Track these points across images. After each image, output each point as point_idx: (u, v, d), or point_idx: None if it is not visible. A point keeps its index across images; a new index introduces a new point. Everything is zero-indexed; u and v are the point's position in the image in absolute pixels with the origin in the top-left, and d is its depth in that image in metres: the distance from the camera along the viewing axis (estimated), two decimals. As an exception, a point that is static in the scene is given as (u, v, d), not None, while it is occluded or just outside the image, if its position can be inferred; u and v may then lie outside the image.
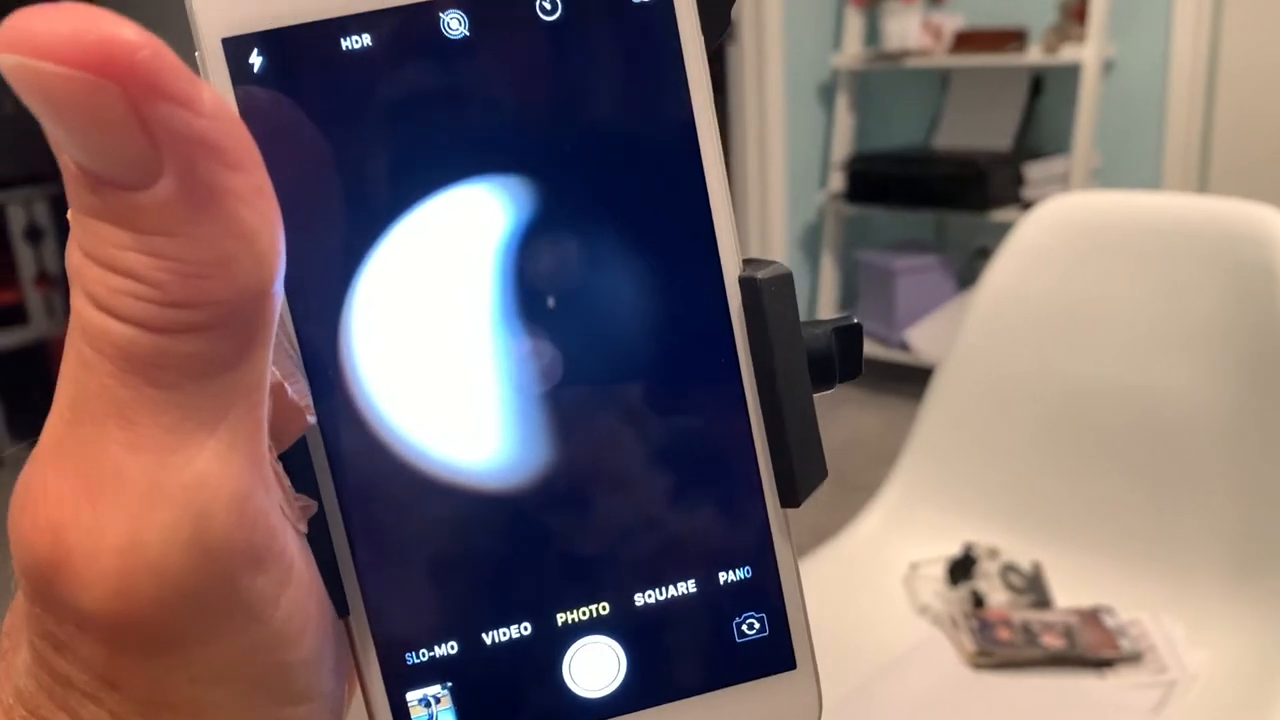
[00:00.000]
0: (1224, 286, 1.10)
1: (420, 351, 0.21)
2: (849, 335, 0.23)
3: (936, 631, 1.10)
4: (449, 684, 0.22)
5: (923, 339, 2.77)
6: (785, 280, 0.22)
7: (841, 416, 2.66)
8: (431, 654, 0.22)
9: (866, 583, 1.18)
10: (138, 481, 0.16)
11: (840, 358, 0.23)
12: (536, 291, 0.21)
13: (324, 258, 0.21)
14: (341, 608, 0.21)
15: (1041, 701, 1.01)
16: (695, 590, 0.22)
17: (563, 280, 0.21)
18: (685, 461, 0.22)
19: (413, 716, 0.22)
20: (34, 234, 2.96)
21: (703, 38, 0.21)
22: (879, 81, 3.09)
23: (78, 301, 0.16)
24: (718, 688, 0.23)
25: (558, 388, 0.21)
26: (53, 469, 0.17)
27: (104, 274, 0.16)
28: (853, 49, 3.00)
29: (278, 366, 0.19)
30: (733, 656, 0.23)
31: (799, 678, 0.23)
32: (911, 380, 2.46)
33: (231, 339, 0.16)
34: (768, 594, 0.23)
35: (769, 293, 0.22)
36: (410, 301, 0.21)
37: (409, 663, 0.22)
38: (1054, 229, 1.23)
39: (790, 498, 0.22)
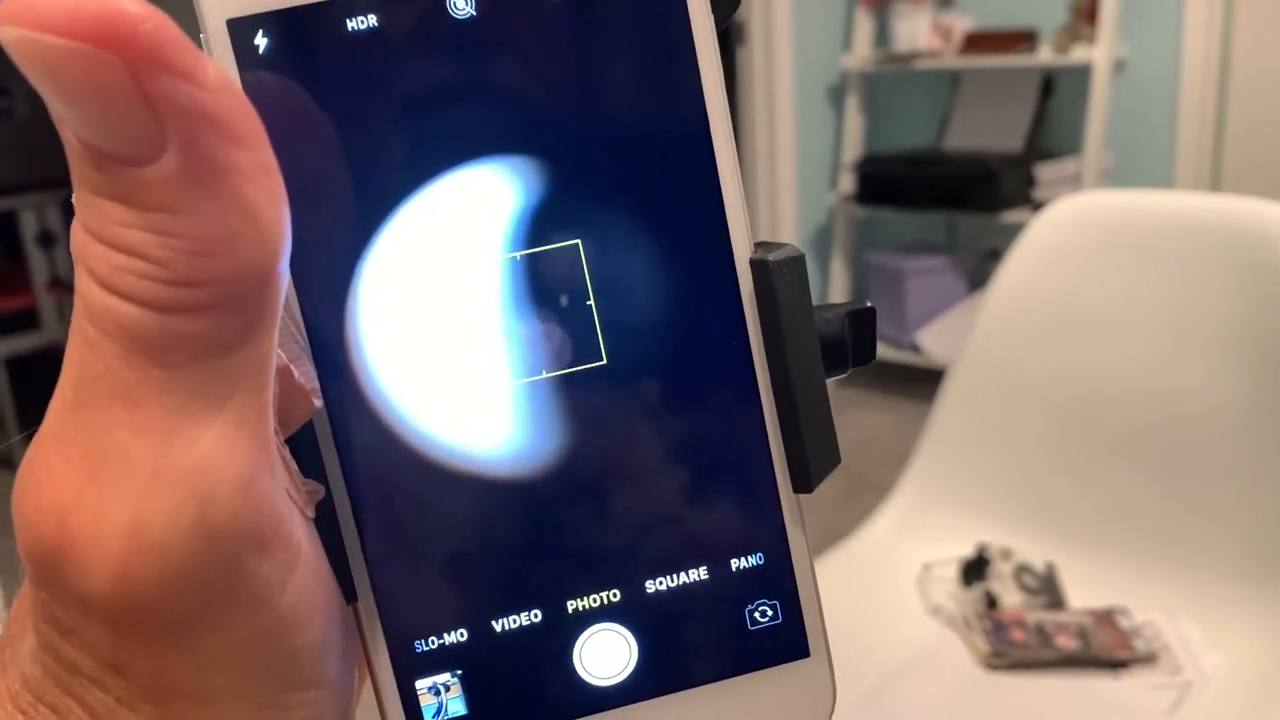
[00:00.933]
0: (1238, 286, 1.10)
1: (429, 335, 0.21)
2: (862, 319, 0.23)
3: (949, 633, 1.10)
4: (459, 671, 0.22)
5: (934, 341, 2.76)
6: (797, 262, 0.22)
7: (853, 418, 2.65)
8: (441, 641, 0.22)
9: (879, 584, 1.17)
10: (142, 463, 0.16)
11: (854, 342, 0.23)
12: (545, 275, 0.21)
13: (330, 241, 0.20)
14: (350, 594, 0.21)
15: (1056, 703, 1.00)
16: (707, 577, 0.22)
17: (572, 263, 0.21)
18: (696, 446, 0.22)
19: (422, 705, 0.22)
20: (46, 239, 2.98)
21: (713, 15, 0.21)
22: (889, 83, 3.08)
23: (82, 281, 0.16)
24: (729, 676, 0.22)
25: (567, 372, 0.21)
26: (56, 451, 0.16)
27: (108, 252, 0.15)
28: (862, 51, 2.99)
29: (284, 349, 0.19)
30: (745, 644, 0.22)
31: (812, 666, 0.23)
32: (923, 382, 2.45)
33: (236, 318, 0.16)
34: (780, 581, 0.22)
35: (780, 275, 0.21)
36: (418, 285, 0.21)
37: (418, 650, 0.22)
38: (1066, 229, 1.22)
39: (803, 483, 0.22)
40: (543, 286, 0.21)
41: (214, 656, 0.17)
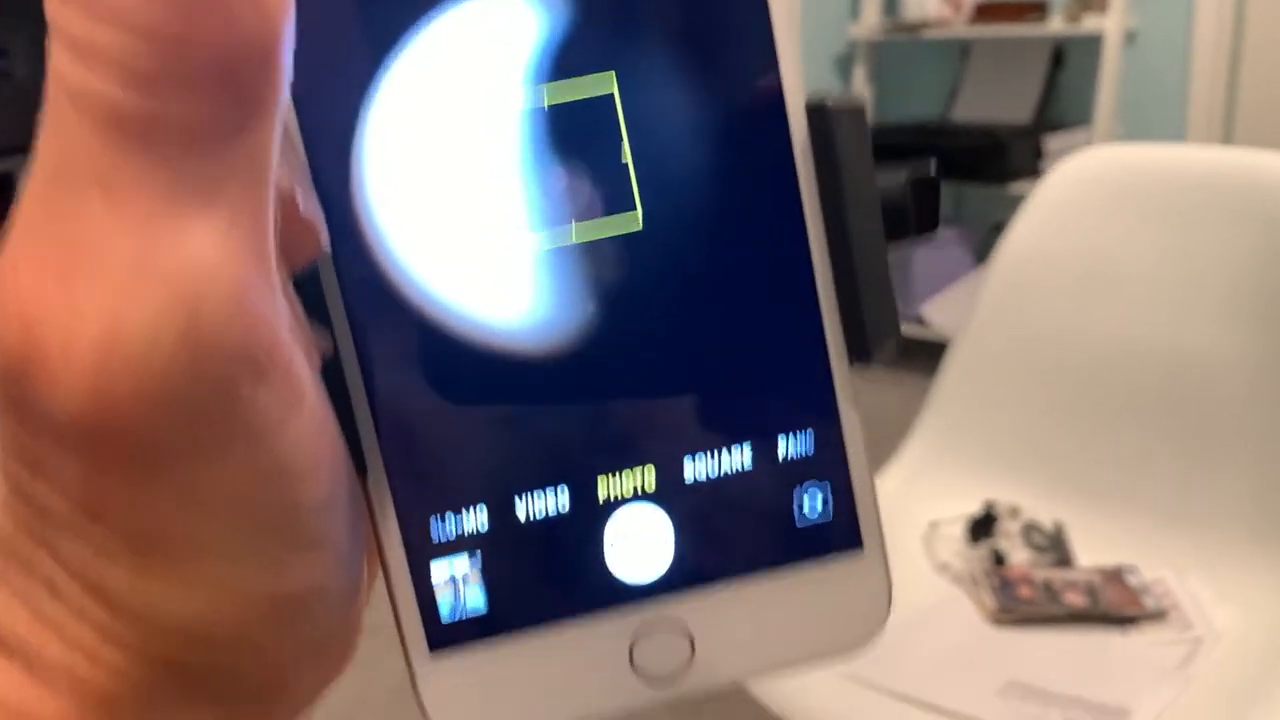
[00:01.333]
0: (1249, 241, 1.08)
1: (446, 183, 0.19)
2: (926, 188, 0.21)
3: (956, 589, 1.08)
4: (478, 554, 0.20)
5: (940, 313, 2.73)
6: (858, 113, 0.20)
7: (857, 392, 2.63)
8: (459, 524, 0.20)
9: (886, 541, 1.16)
10: (119, 261, 0.14)
11: (916, 210, 0.21)
12: (577, 119, 0.19)
13: (340, 73, 0.18)
14: (359, 465, 0.19)
15: (1065, 656, 0.99)
16: (751, 456, 0.20)
17: (605, 105, 0.19)
18: (740, 310, 0.20)
19: (438, 598, 0.20)
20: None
21: None
22: (897, 52, 3.05)
23: (57, 55, 0.14)
24: (774, 568, 0.21)
25: (598, 226, 0.19)
26: (23, 250, 0.14)
27: (85, 18, 0.13)
28: (871, 19, 2.96)
29: (288, 177, 0.17)
30: (792, 533, 0.21)
31: (866, 560, 0.21)
32: (928, 355, 2.43)
33: (230, 100, 0.14)
34: (832, 462, 0.21)
35: (840, 122, 0.19)
36: (436, 128, 0.19)
37: (433, 535, 0.20)
38: (1079, 185, 1.20)
39: (860, 352, 0.20)
40: (573, 133, 0.19)
41: (203, 498, 0.15)
